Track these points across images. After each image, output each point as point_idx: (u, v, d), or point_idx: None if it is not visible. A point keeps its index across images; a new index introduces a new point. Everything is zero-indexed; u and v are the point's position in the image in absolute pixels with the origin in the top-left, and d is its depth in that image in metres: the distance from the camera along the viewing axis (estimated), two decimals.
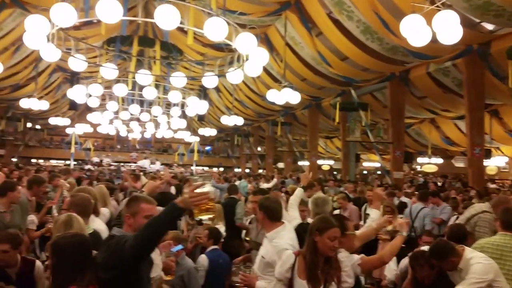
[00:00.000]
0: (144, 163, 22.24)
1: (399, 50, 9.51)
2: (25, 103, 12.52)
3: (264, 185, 11.28)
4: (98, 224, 3.53)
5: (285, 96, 8.97)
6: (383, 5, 8.31)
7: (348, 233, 2.99)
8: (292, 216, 4.01)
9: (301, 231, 3.46)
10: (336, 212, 6.24)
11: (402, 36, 5.46)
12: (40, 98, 13.34)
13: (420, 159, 22.64)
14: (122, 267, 2.24)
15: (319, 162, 21.73)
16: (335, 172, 25.98)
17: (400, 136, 13.17)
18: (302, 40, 11.11)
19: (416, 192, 8.37)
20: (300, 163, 22.17)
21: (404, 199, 7.91)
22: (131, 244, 2.16)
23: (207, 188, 2.21)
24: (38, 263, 3.27)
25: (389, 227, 3.21)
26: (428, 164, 21.77)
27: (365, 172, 27.82)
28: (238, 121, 14.77)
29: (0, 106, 20.38)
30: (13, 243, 3.19)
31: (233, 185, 7.96)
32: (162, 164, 24.88)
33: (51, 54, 5.98)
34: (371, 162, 27.22)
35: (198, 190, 2.17)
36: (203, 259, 4.06)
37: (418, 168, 24.50)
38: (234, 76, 6.83)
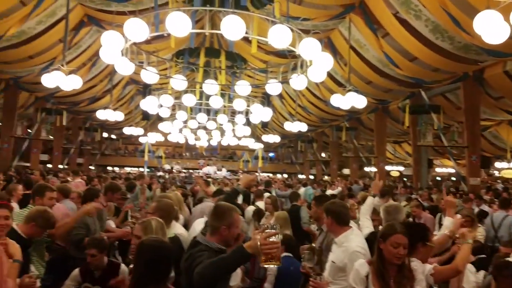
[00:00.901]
0: (209, 170, 22.86)
1: (472, 49, 8.92)
2: (102, 114, 13.42)
3: (329, 192, 11.09)
4: (178, 229, 3.68)
5: (350, 100, 8.78)
6: (453, 2, 7.87)
7: (429, 244, 2.86)
8: (363, 225, 3.92)
9: (373, 239, 3.41)
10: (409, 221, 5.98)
11: (475, 33, 5.10)
12: (115, 109, 14.28)
13: (498, 164, 21.04)
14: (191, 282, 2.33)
15: (388, 168, 20.95)
16: (405, 179, 24.90)
17: (476, 139, 12.29)
18: (367, 42, 10.84)
19: (496, 200, 7.78)
20: (366, 169, 21.52)
21: (484, 207, 7.39)
22: (199, 274, 2.23)
23: (278, 237, 2.17)
24: (123, 266, 3.52)
25: (469, 239, 3.01)
26: (508, 169, 20.13)
27: (438, 178, 26.35)
28: (302, 127, 14.71)
29: (79, 117, 22.06)
30: (99, 248, 3.50)
31: (294, 192, 7.94)
32: (228, 170, 25.46)
33: (125, 67, 6.32)
34: (445, 168, 25.73)
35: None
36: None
37: (496, 173, 22.75)
38: (298, 83, 6.81)
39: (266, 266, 2.24)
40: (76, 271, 3.63)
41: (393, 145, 24.70)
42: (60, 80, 8.04)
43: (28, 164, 18.27)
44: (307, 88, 12.65)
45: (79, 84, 8.43)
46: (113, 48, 5.56)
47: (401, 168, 26.40)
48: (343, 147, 20.58)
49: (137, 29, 4.84)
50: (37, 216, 3.32)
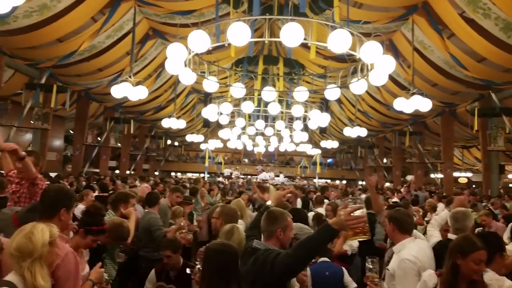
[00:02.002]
0: (266, 175, 22.97)
1: None
2: (166, 123, 14.02)
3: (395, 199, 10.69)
4: None
5: (414, 103, 8.46)
6: None
7: (505, 254, 2.69)
8: (430, 234, 3.79)
9: (441, 249, 3.26)
10: (479, 230, 5.60)
11: None
12: (178, 117, 14.82)
13: None
14: (271, 283, 2.33)
15: (455, 174, 19.81)
16: (474, 186, 23.41)
17: None
18: (432, 43, 10.38)
19: None
20: (432, 175, 20.50)
21: None
22: (285, 262, 2.22)
23: (363, 211, 2.18)
24: (197, 266, 3.63)
25: None
26: None
27: (511, 185, 24.49)
28: (362, 132, 14.37)
29: (145, 126, 23.15)
30: (173, 248, 3.68)
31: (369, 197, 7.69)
32: (285, 176, 25.44)
33: (188, 77, 6.58)
34: None
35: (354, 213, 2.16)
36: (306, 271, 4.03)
37: None
38: (358, 87, 6.69)
39: (356, 240, 2.26)
40: (152, 272, 3.81)
41: (461, 150, 23.35)
42: (127, 90, 8.54)
43: (97, 170, 19.45)
44: (367, 92, 12.35)
45: (145, 94, 8.90)
46: (177, 59, 5.81)
47: (470, 175, 24.86)
48: (406, 153, 19.76)
49: (199, 40, 5.02)
50: (112, 230, 3.42)
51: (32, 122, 12.47)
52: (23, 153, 3.37)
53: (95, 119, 19.13)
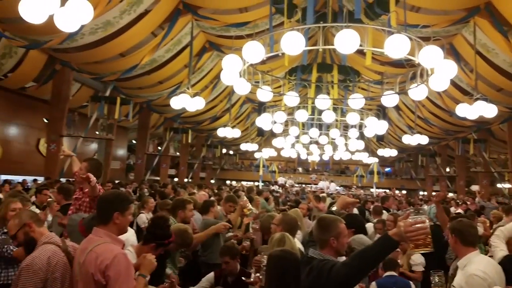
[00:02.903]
0: (324, 184, 22.67)
1: None
2: (221, 132, 14.34)
3: (459, 210, 10.13)
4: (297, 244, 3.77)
5: (478, 109, 8.01)
6: None
7: None
8: (496, 246, 3.54)
9: (509, 263, 3.10)
10: None
11: None
12: (233, 127, 15.13)
13: None
14: None
15: None
16: None
17: None
18: (496, 46, 9.78)
19: None
20: (499, 185, 19.20)
21: None
22: (342, 273, 2.20)
23: (425, 222, 2.09)
24: (253, 274, 3.70)
25: None
26: None
27: None
28: (422, 140, 13.81)
29: (202, 135, 23.81)
30: (231, 254, 3.78)
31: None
32: (341, 186, 24.96)
33: (242, 87, 6.71)
34: None
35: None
36: (372, 286, 3.91)
37: None
38: (417, 93, 6.46)
39: (417, 252, 2.17)
40: (211, 274, 3.93)
41: None
42: (186, 102, 8.87)
43: (158, 178, 20.27)
44: (427, 98, 11.87)
45: (202, 105, 9.19)
46: (232, 70, 5.97)
47: None
48: (471, 161, 18.67)
49: (254, 51, 5.12)
50: (177, 235, 3.52)
51: (97, 132, 13.28)
52: (93, 178, 3.55)
53: (156, 129, 20.00)
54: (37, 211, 5.20)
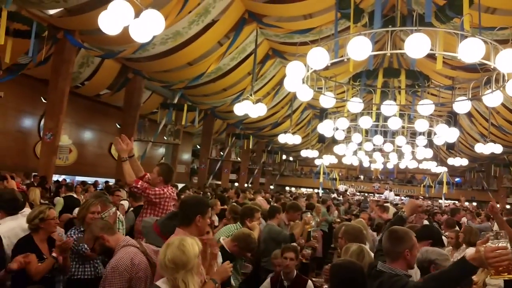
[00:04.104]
0: (389, 195, 21.88)
1: None
2: (282, 138, 14.38)
3: None
4: None
5: None
6: None
7: None
8: None
9: None
10: None
11: None
12: (293, 133, 15.11)
13: None
14: None
15: None
16: None
17: None
18: None
19: None
20: None
21: None
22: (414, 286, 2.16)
23: (507, 248, 1.96)
24: (310, 282, 3.71)
25: None
26: None
27: None
28: (496, 148, 12.90)
29: (262, 141, 24.05)
30: (296, 252, 3.84)
31: None
32: (406, 196, 23.95)
33: (305, 94, 6.70)
34: None
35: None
36: None
37: None
38: (492, 99, 6.08)
39: (497, 278, 2.05)
40: (268, 280, 3.98)
41: None
42: (248, 108, 9.01)
43: (219, 182, 20.75)
44: (503, 104, 11.11)
45: (264, 111, 9.28)
46: (295, 77, 5.98)
47: None
48: None
49: (318, 57, 5.08)
50: (241, 239, 3.61)
51: (165, 138, 13.92)
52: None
53: (219, 135, 20.53)
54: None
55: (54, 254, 3.07)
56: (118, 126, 14.86)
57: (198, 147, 20.99)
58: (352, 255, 2.96)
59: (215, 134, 19.46)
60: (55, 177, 12.30)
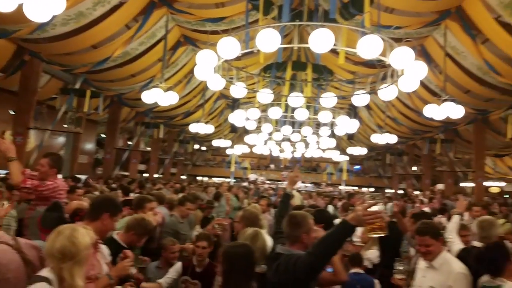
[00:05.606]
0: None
1: None
2: (194, 128, 14.20)
3: (426, 208, 10.46)
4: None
5: (445, 110, 8.28)
6: None
7: None
8: (452, 242, 3.76)
9: (466, 256, 3.26)
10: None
11: None
12: (206, 122, 15.01)
13: None
14: (294, 284, 2.37)
15: (487, 183, 19.20)
16: (507, 196, 22.59)
17: None
18: (465, 49, 10.15)
19: None
20: (462, 184, 19.94)
21: None
22: (307, 261, 2.28)
23: (379, 207, 2.22)
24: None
25: None
26: None
27: None
28: (391, 139, 14.15)
29: (174, 130, 23.54)
30: (209, 240, 3.98)
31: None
32: (311, 183, 25.27)
33: (216, 83, 6.68)
34: None
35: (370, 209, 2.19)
36: None
37: None
38: (387, 93, 6.61)
39: (372, 236, 2.32)
40: (179, 264, 3.94)
41: (494, 159, 22.60)
42: (158, 96, 8.74)
43: (127, 173, 19.91)
44: (397, 98, 12.19)
45: (175, 100, 9.07)
46: (206, 66, 5.91)
47: (503, 184, 24.02)
48: (437, 161, 19.30)
49: (229, 47, 5.08)
50: (135, 225, 3.45)
51: (65, 126, 12.91)
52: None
53: (127, 123, 19.60)
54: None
55: None
56: (12, 113, 13.46)
57: (104, 136, 19.82)
58: (247, 239, 3.08)
59: (123, 123, 18.54)
60: None
